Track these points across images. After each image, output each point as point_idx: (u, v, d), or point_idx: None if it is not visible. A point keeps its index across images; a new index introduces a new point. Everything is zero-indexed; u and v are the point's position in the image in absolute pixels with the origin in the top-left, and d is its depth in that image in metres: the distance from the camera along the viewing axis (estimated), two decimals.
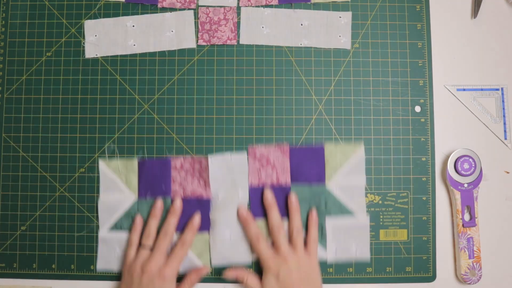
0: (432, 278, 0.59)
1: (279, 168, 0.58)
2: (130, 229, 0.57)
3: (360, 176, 0.59)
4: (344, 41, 0.61)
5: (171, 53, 0.61)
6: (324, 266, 0.58)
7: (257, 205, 0.58)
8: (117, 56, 0.61)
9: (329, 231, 0.58)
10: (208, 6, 0.61)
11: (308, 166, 0.58)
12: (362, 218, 0.58)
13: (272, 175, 0.58)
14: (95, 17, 0.61)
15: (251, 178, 0.58)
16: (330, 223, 0.58)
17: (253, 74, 0.60)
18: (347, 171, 0.59)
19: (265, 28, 0.61)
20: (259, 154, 0.59)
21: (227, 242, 0.57)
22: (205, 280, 0.58)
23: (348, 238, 0.58)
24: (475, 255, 0.58)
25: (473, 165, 0.58)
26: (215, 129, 0.60)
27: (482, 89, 0.61)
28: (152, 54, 0.60)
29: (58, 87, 0.60)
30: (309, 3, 0.61)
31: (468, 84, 0.61)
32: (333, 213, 0.58)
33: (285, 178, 0.58)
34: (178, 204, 0.57)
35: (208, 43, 0.60)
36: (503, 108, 0.61)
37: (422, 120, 0.60)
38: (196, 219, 0.57)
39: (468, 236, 0.58)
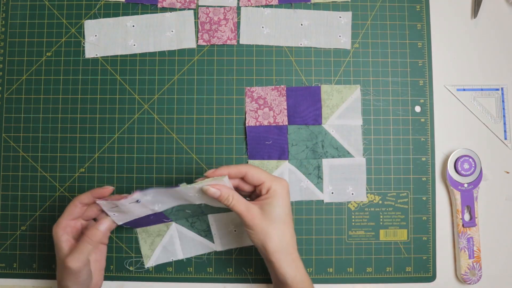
0: (432, 278, 0.59)
1: (276, 109, 0.59)
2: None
3: (357, 116, 0.59)
4: (344, 41, 0.61)
5: (171, 53, 0.61)
6: (323, 266, 0.58)
7: (254, 146, 0.59)
8: (117, 56, 0.61)
9: (326, 172, 0.59)
10: (208, 6, 0.61)
11: (305, 106, 0.59)
12: (358, 158, 0.59)
13: (269, 116, 0.59)
14: (95, 17, 0.61)
15: (248, 118, 0.59)
16: (327, 164, 0.58)
17: (253, 74, 0.60)
18: (343, 111, 0.59)
19: (265, 28, 0.61)
20: (256, 95, 0.59)
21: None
22: (205, 280, 0.58)
23: (345, 179, 0.59)
24: (475, 255, 0.58)
25: (473, 165, 0.58)
26: (215, 129, 0.60)
27: (482, 89, 0.61)
28: (152, 54, 0.60)
29: (58, 87, 0.60)
30: (309, 3, 0.61)
31: (468, 84, 0.61)
32: (330, 154, 0.59)
33: (282, 118, 0.59)
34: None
35: (208, 43, 0.60)
36: (503, 108, 0.61)
37: (422, 120, 0.60)
38: (104, 224, 0.51)
39: (468, 236, 0.58)
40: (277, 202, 0.48)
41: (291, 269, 0.48)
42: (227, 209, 0.55)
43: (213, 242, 0.58)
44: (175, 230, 0.58)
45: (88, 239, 0.49)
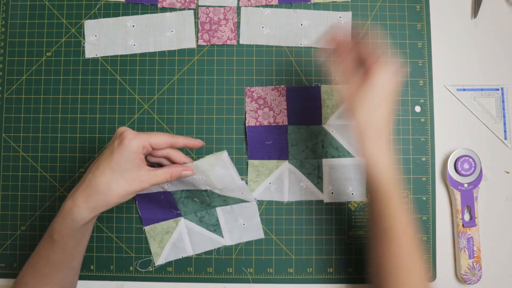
0: (432, 278, 0.59)
1: (276, 109, 0.59)
2: None
3: None
4: None
5: (171, 53, 0.61)
6: (323, 266, 0.58)
7: (254, 146, 0.59)
8: (117, 56, 0.61)
9: (326, 172, 0.59)
10: (208, 6, 0.61)
11: (305, 106, 0.59)
12: (358, 158, 0.59)
13: (269, 116, 0.59)
14: (95, 17, 0.61)
15: (248, 118, 0.59)
16: (327, 164, 0.59)
17: (253, 74, 0.60)
18: (343, 111, 0.59)
19: (265, 28, 0.61)
20: (256, 95, 0.59)
21: None
22: (205, 280, 0.58)
23: (345, 179, 0.59)
24: (475, 255, 0.58)
25: (473, 165, 0.58)
26: (215, 129, 0.60)
27: (482, 89, 0.61)
28: (152, 54, 0.60)
29: (58, 87, 0.60)
30: (309, 3, 0.61)
31: (468, 84, 0.61)
32: (330, 154, 0.59)
33: (282, 118, 0.59)
34: (198, 143, 0.50)
35: (208, 43, 0.60)
36: (503, 108, 0.61)
37: (422, 120, 0.60)
38: (197, 143, 0.50)
39: (468, 236, 0.58)
40: (374, 82, 0.46)
41: (374, 148, 0.46)
42: (235, 201, 0.56)
43: (222, 237, 0.58)
44: (184, 226, 0.58)
45: (170, 173, 0.47)
